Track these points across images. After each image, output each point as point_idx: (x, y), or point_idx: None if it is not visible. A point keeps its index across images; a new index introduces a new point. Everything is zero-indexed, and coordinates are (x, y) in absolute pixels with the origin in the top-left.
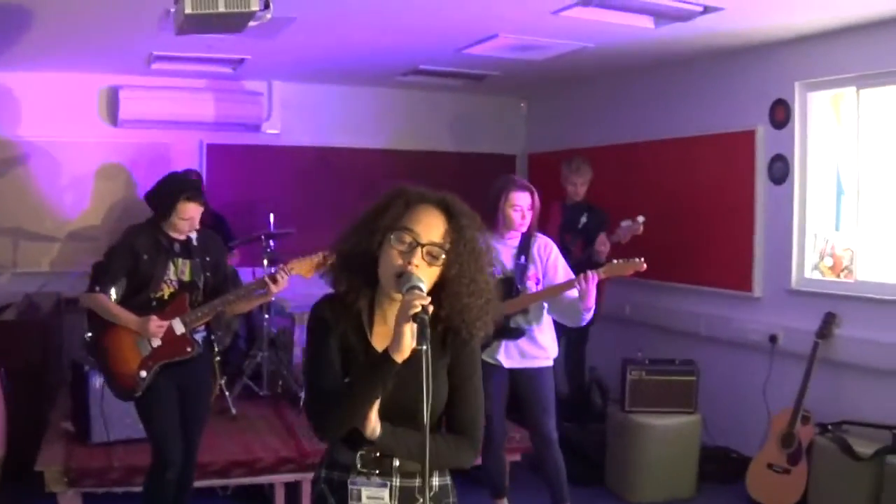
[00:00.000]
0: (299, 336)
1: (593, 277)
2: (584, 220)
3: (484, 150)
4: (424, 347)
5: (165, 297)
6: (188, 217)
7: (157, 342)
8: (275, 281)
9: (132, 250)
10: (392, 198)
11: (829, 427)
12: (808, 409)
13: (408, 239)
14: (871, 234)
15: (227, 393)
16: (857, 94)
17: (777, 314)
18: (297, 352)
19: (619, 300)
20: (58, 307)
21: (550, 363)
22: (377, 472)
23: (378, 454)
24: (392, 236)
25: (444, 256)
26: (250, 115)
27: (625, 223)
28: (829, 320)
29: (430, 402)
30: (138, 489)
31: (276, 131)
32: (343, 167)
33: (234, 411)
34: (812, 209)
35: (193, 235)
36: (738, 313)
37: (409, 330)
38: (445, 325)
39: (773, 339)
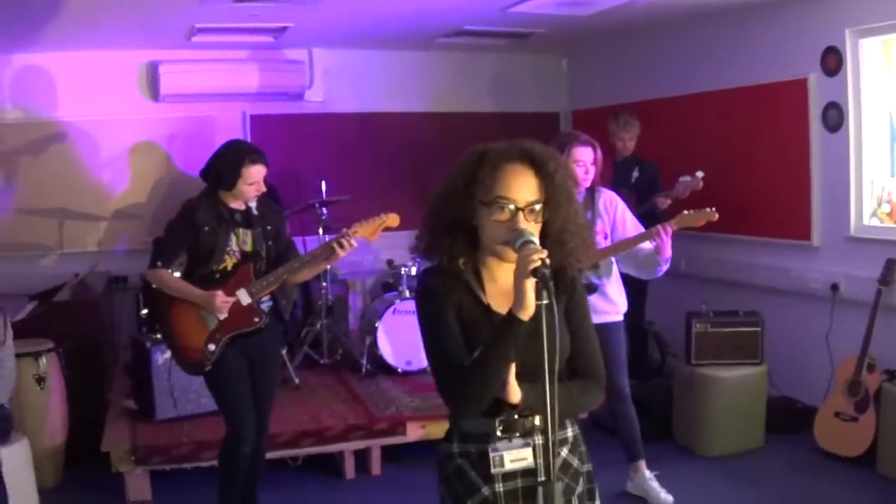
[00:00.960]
0: (353, 302)
1: (669, 228)
2: (635, 174)
3: (526, 110)
4: (546, 301)
5: (229, 268)
6: (254, 181)
7: (223, 315)
8: (341, 246)
9: (193, 223)
10: (476, 165)
11: None
12: (873, 357)
13: (506, 207)
14: None
15: (288, 363)
16: None
17: (837, 262)
18: (352, 318)
19: (674, 254)
20: (109, 286)
21: (621, 318)
22: (518, 434)
23: (517, 416)
24: (491, 209)
25: (543, 211)
26: (292, 83)
27: (683, 179)
28: (891, 267)
29: (556, 354)
30: (206, 464)
31: (319, 99)
32: (387, 132)
33: (296, 381)
34: (868, 156)
35: (253, 205)
36: (797, 263)
37: (531, 286)
38: (554, 273)
39: (834, 287)
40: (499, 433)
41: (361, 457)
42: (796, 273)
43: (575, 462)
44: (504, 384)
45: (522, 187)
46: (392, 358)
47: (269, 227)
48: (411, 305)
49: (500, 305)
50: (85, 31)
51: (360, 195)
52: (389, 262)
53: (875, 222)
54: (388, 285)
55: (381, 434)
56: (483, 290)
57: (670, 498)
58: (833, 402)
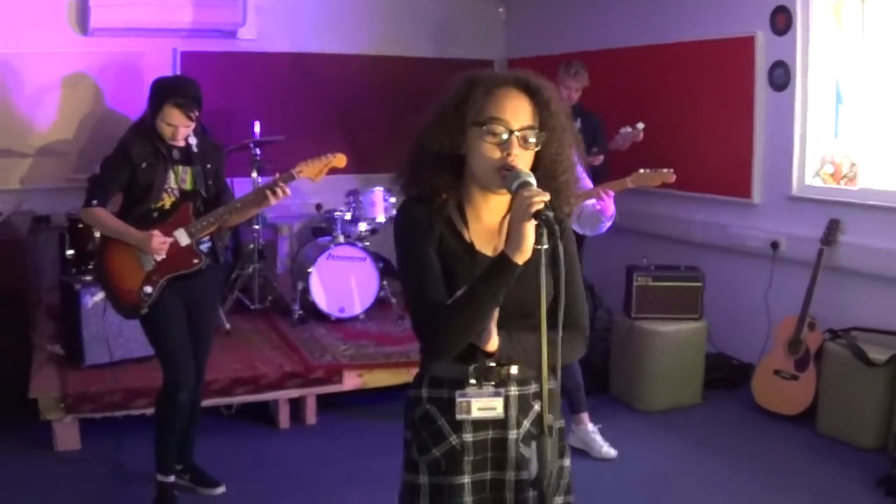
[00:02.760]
0: (281, 247)
1: (611, 193)
2: (578, 125)
3: (463, 56)
4: (546, 246)
5: (167, 206)
6: (171, 123)
7: (161, 256)
8: (274, 193)
9: (129, 159)
10: (467, 88)
11: (840, 333)
12: (813, 316)
13: (499, 129)
14: (872, 142)
15: (219, 308)
16: (863, 3)
17: (777, 221)
18: (279, 263)
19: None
20: (32, 226)
21: None
22: (494, 384)
23: (493, 364)
24: (483, 129)
25: (536, 138)
26: (226, 20)
27: (624, 130)
28: (833, 227)
29: (562, 302)
30: (138, 412)
31: (252, 37)
32: (321, 74)
33: (227, 326)
34: (812, 117)
35: (194, 142)
36: (737, 220)
37: (531, 228)
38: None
39: (774, 245)
40: (472, 381)
41: (295, 405)
42: (735, 230)
43: (549, 417)
44: (483, 330)
45: (517, 110)
46: (325, 304)
47: (209, 166)
48: (347, 251)
49: (483, 244)
50: None
51: (294, 137)
52: (318, 207)
53: (818, 182)
54: (318, 230)
55: (316, 383)
56: (466, 226)
57: (613, 451)
58: (772, 360)
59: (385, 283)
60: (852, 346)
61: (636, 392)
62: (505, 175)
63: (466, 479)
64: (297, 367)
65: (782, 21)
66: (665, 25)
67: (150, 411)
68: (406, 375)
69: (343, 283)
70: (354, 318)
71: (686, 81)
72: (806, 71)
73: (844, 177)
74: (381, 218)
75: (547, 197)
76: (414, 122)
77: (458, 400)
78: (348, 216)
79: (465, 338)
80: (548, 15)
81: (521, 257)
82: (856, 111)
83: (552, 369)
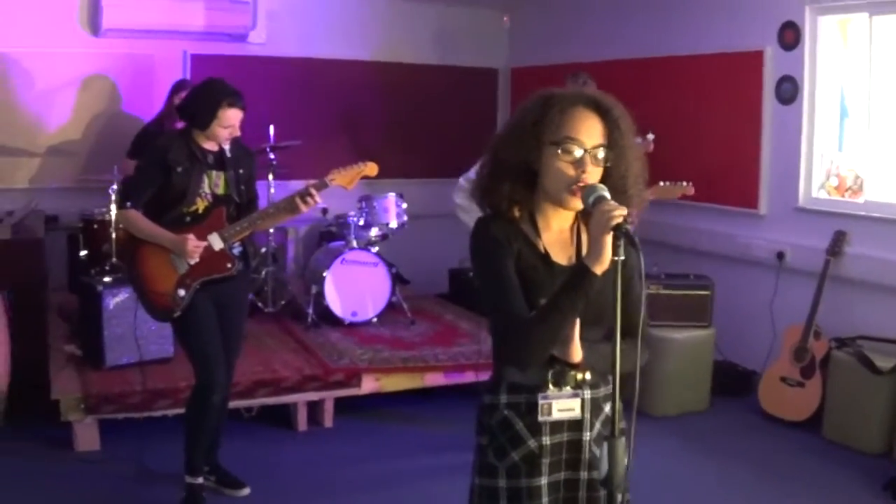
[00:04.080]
0: (290, 250)
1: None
2: None
3: (466, 64)
4: (622, 257)
5: (200, 211)
6: (230, 124)
7: (195, 259)
8: (304, 202)
9: (165, 163)
10: (543, 107)
11: (846, 341)
12: (819, 325)
13: (574, 148)
14: (877, 156)
15: None
16: (870, 20)
17: (783, 232)
18: (287, 266)
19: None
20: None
21: None
22: (569, 387)
23: (569, 369)
24: (559, 149)
25: (606, 156)
26: (236, 24)
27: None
28: (839, 238)
29: (640, 310)
30: (159, 414)
31: (261, 41)
32: (330, 79)
33: None
34: (819, 130)
35: (227, 147)
36: (744, 230)
37: (608, 241)
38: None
39: (780, 255)
40: (550, 385)
41: (312, 409)
42: (742, 240)
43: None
44: (568, 341)
45: (591, 130)
46: (339, 309)
47: (241, 171)
48: (361, 255)
49: (558, 254)
50: None
51: (305, 141)
52: (324, 211)
53: (822, 195)
54: (328, 234)
55: (335, 386)
56: (540, 237)
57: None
58: (778, 368)
59: (397, 288)
60: (858, 354)
61: (646, 397)
62: (577, 191)
63: (544, 481)
64: (317, 371)
65: (790, 36)
66: (674, 38)
67: (171, 412)
68: (420, 380)
69: (356, 288)
70: (367, 323)
71: (695, 94)
72: (813, 85)
73: (849, 189)
74: (393, 224)
75: (625, 211)
76: (420, 128)
77: (541, 402)
78: (361, 221)
79: (550, 348)
80: (552, 24)
81: (601, 268)
82: (860, 125)
83: (630, 376)
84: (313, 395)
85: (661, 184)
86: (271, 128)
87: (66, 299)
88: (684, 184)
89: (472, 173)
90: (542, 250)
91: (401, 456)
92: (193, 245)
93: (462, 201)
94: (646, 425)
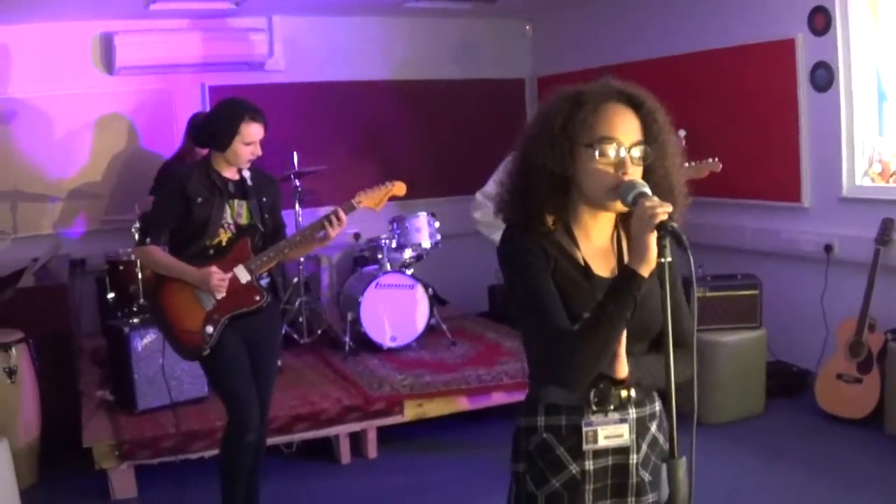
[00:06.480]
0: (322, 278)
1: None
2: None
3: (491, 76)
4: (669, 259)
5: (223, 243)
6: (251, 140)
7: (221, 294)
8: (331, 223)
9: (184, 194)
10: (572, 106)
11: None
12: (873, 317)
13: (612, 149)
14: None
15: None
16: None
17: (829, 223)
18: (322, 295)
19: None
20: (70, 270)
21: None
22: (613, 407)
23: (613, 387)
24: (595, 151)
25: (646, 153)
26: (252, 52)
27: None
28: (888, 226)
29: (695, 317)
30: (195, 456)
31: (280, 68)
32: (352, 101)
33: (279, 363)
34: (858, 116)
35: (247, 175)
36: (788, 225)
37: (653, 240)
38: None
39: (828, 248)
40: (593, 406)
41: (355, 440)
42: (787, 235)
43: (661, 438)
44: (614, 354)
45: (627, 127)
46: (376, 334)
47: (264, 199)
48: (395, 278)
49: (599, 266)
50: (34, 2)
51: (330, 166)
52: (356, 236)
53: (867, 182)
54: (361, 259)
55: (377, 415)
56: (578, 249)
57: None
58: (834, 364)
59: (435, 310)
60: None
61: (698, 406)
62: (617, 188)
63: None
64: (357, 400)
65: (821, 21)
66: (701, 33)
67: (208, 454)
68: (462, 404)
69: (393, 312)
70: (407, 347)
71: (727, 88)
72: (848, 70)
73: (893, 174)
74: (426, 244)
75: (670, 207)
76: (448, 145)
77: (585, 430)
78: (393, 244)
79: (599, 363)
80: (575, 30)
81: (647, 269)
82: None
83: (656, 388)
84: (355, 426)
85: (687, 164)
86: (295, 154)
87: (99, 344)
88: (710, 160)
89: (488, 187)
90: (582, 262)
91: (446, 485)
92: (219, 279)
93: (481, 217)
94: (700, 435)
